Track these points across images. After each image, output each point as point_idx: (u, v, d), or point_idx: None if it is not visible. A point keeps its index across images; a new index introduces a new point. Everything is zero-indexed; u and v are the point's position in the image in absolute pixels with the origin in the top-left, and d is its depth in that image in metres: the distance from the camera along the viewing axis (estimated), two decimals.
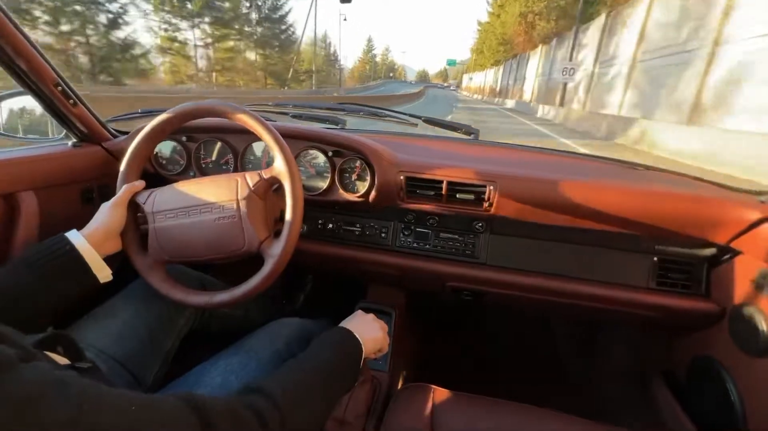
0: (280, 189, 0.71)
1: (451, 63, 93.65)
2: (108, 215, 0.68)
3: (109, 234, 0.68)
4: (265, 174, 0.70)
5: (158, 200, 0.71)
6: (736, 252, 0.80)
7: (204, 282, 0.87)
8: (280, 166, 0.69)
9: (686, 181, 0.95)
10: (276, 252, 0.68)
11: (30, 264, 0.59)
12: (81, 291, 0.65)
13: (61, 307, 0.63)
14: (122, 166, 0.73)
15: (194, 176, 0.99)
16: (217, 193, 0.69)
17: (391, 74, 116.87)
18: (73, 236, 0.63)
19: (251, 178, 0.70)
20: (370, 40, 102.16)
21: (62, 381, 0.30)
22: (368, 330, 0.66)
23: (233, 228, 0.68)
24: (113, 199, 0.70)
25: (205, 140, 0.99)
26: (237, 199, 0.68)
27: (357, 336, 0.63)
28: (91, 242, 0.64)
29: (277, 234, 0.72)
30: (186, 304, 0.71)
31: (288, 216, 0.68)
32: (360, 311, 0.72)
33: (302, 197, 0.69)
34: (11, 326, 0.55)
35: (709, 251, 0.84)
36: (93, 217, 0.68)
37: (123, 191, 0.71)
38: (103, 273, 0.66)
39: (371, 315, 0.72)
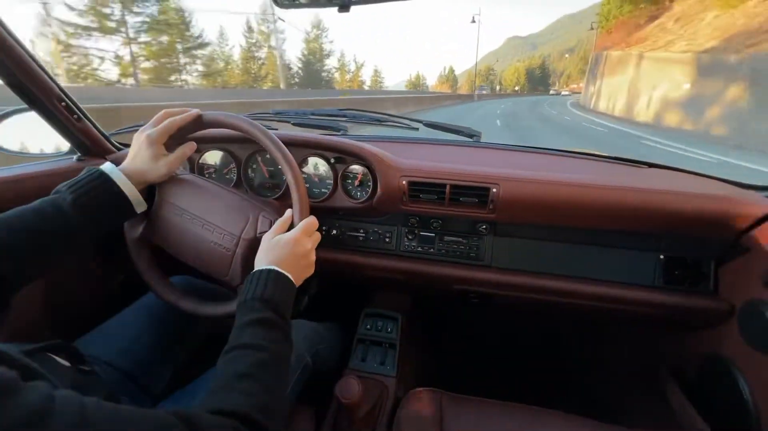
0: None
1: None
2: (157, 168, 0.67)
3: (147, 181, 0.68)
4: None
5: (173, 190, 0.72)
6: (743, 249, 0.79)
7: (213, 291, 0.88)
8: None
9: (691, 177, 0.95)
10: None
11: (79, 208, 0.58)
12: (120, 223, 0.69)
13: (97, 239, 0.63)
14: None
15: None
16: (226, 219, 0.69)
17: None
18: (116, 175, 0.62)
19: (262, 224, 0.69)
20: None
21: (63, 401, 0.30)
22: (286, 257, 0.60)
23: (223, 258, 0.69)
24: (170, 157, 0.69)
25: (208, 150, 0.99)
26: (239, 237, 0.68)
27: (284, 272, 0.58)
28: (131, 180, 0.64)
29: None
30: (156, 294, 0.74)
31: None
32: (264, 239, 0.64)
33: None
34: (49, 261, 0.56)
35: (716, 248, 0.84)
36: (137, 152, 0.66)
37: (178, 155, 0.70)
38: (140, 207, 0.67)
39: (283, 235, 0.64)
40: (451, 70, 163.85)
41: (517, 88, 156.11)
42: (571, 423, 0.75)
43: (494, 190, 0.84)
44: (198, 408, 0.40)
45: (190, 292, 0.75)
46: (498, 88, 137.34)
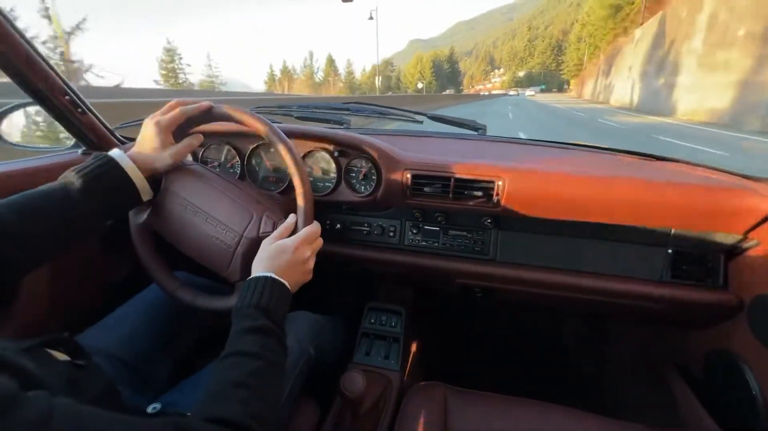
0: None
1: None
2: (163, 157, 0.67)
3: (154, 169, 0.68)
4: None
5: (179, 180, 0.71)
6: (754, 243, 0.78)
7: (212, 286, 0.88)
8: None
9: (699, 170, 0.93)
10: None
11: (87, 192, 0.58)
12: (126, 210, 0.71)
13: (103, 225, 0.64)
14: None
15: None
16: (229, 216, 0.69)
17: None
18: (124, 161, 0.63)
19: (265, 224, 0.69)
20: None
21: (61, 412, 0.31)
22: (284, 265, 0.60)
23: (224, 254, 0.69)
24: (177, 147, 0.69)
25: (211, 143, 0.99)
26: (241, 235, 0.68)
27: (281, 280, 0.58)
28: (138, 167, 0.64)
29: None
30: (155, 281, 0.75)
31: None
32: (264, 243, 0.64)
33: None
34: (55, 246, 0.57)
35: (726, 242, 0.82)
36: (145, 139, 0.66)
37: (185, 146, 0.70)
38: (147, 195, 0.68)
39: (283, 241, 0.63)
40: (330, 60, 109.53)
41: (420, 86, 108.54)
42: (575, 418, 0.74)
43: (499, 183, 0.83)
44: (194, 416, 0.41)
45: (188, 285, 0.75)
46: (398, 84, 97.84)
